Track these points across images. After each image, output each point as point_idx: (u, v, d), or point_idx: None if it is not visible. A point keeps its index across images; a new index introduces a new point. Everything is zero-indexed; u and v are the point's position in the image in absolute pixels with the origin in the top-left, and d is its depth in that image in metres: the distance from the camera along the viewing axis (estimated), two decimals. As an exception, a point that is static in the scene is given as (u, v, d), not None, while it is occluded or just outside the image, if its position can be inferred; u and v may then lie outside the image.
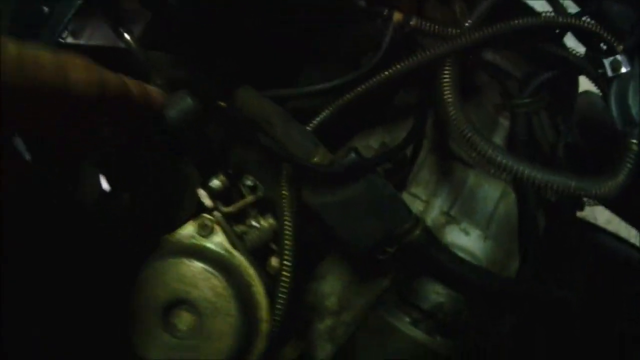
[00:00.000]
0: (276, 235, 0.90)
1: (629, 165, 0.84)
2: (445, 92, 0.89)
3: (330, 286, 1.01)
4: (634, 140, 0.85)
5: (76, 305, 0.84)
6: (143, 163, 0.87)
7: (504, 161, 0.82)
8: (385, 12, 0.95)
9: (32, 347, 0.81)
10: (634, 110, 0.86)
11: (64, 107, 0.60)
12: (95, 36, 1.03)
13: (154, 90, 0.75)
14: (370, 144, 1.01)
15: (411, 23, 0.93)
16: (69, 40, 1.04)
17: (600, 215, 1.86)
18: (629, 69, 0.89)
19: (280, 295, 0.86)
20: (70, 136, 0.65)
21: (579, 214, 1.13)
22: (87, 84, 0.60)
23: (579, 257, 1.09)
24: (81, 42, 1.06)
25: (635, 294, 1.11)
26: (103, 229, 0.86)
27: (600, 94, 0.94)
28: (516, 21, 0.89)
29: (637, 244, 1.27)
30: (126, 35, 0.85)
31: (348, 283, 1.00)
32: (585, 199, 1.02)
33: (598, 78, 0.93)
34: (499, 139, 1.02)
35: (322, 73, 0.96)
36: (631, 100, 0.87)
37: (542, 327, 1.04)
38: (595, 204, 1.01)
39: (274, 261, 0.89)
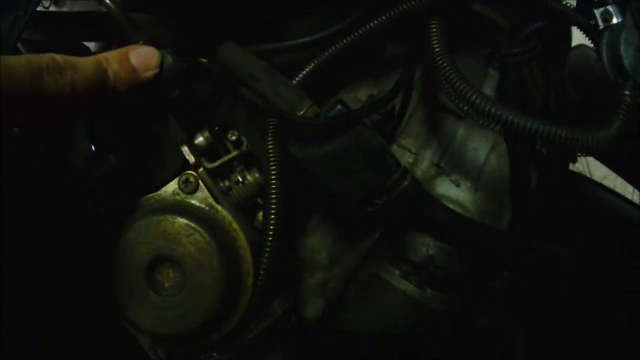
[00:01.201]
0: (262, 190, 0.89)
1: (621, 116, 0.83)
2: (433, 43, 0.87)
3: (321, 241, 1.00)
4: (627, 92, 0.84)
5: (66, 265, 0.85)
6: (127, 123, 0.86)
7: (493, 110, 0.81)
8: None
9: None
10: (626, 62, 0.85)
11: (38, 109, 0.63)
12: (77, 3, 1.02)
13: (146, 52, 0.75)
14: (358, 96, 0.99)
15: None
16: (52, 8, 1.03)
17: (597, 172, 1.84)
18: (620, 19, 0.87)
19: (265, 249, 0.86)
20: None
21: (574, 169, 1.12)
22: (58, 88, 0.63)
23: (574, 211, 1.08)
24: (64, 9, 1.05)
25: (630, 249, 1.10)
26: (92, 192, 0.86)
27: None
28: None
29: (633, 200, 1.26)
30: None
31: (338, 237, 0.99)
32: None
33: (589, 29, 0.92)
34: (488, 89, 1.00)
35: (307, 26, 0.93)
36: (623, 51, 0.85)
37: (534, 283, 1.03)
38: (587, 156, 0.99)
39: (261, 216, 0.89)
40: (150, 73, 0.75)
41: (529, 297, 1.02)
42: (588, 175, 1.80)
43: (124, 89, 0.72)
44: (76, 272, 0.85)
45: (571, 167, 1.18)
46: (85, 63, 0.67)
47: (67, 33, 0.97)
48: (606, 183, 1.38)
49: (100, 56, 0.70)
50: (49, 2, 1.01)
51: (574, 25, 0.94)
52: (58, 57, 0.64)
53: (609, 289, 1.07)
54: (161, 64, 0.77)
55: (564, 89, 0.99)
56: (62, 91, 0.63)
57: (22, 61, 0.60)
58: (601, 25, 0.88)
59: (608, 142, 0.81)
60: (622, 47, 0.85)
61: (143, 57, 0.74)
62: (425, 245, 0.95)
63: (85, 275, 0.84)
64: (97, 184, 0.84)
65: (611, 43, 0.86)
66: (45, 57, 0.62)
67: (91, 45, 1.08)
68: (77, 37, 1.00)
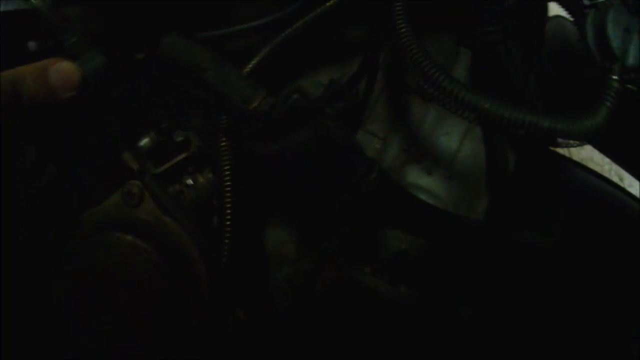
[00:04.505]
0: (217, 190, 0.83)
1: (608, 104, 0.75)
2: (398, 23, 0.78)
3: (287, 232, 0.94)
4: (615, 77, 0.76)
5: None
6: (64, 129, 0.79)
7: (467, 98, 0.73)
8: None
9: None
10: (614, 43, 0.77)
11: None
12: (10, 2, 0.95)
13: (67, 70, 0.70)
14: (320, 80, 0.91)
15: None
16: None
17: (582, 151, 1.76)
18: (607, -4, 0.79)
19: (222, 254, 0.82)
20: None
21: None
22: None
23: (553, 194, 1.02)
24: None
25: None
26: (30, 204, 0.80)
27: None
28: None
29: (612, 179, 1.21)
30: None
31: (305, 229, 0.93)
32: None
33: (572, 6, 0.83)
34: (461, 70, 0.92)
35: (259, 8, 0.86)
36: (610, 32, 0.77)
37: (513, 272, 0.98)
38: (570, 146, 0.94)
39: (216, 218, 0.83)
40: (67, 94, 0.70)
41: (508, 284, 0.97)
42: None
43: (38, 107, 0.68)
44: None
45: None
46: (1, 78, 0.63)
47: (5, 33, 0.91)
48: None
49: (18, 71, 0.66)
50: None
51: (555, 1, 0.86)
52: None
53: (590, 275, 1.03)
54: (81, 84, 0.71)
55: (543, 69, 0.92)
56: None
57: None
58: (586, 1, 0.80)
59: (595, 132, 0.74)
60: (609, 27, 0.76)
61: (63, 75, 0.69)
62: (397, 239, 0.89)
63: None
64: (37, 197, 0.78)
65: (597, 22, 0.78)
66: None
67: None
68: (17, 37, 0.93)
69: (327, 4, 0.82)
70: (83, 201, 0.79)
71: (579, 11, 0.81)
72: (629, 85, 0.77)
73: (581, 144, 1.02)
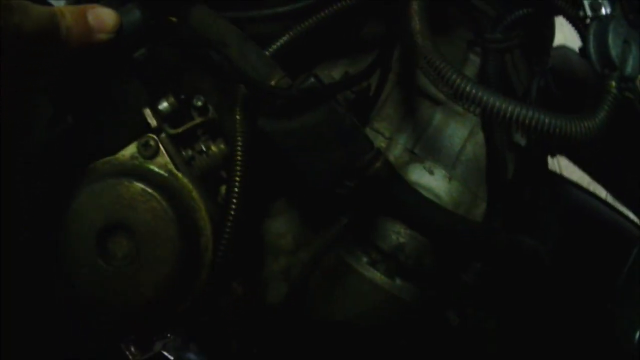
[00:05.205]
0: (227, 162, 0.84)
1: (606, 107, 0.79)
2: (413, 21, 0.83)
3: (286, 224, 0.96)
4: (613, 83, 0.81)
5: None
6: (87, 81, 0.81)
7: (474, 91, 0.76)
8: None
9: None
10: (613, 52, 0.82)
11: None
12: None
13: (104, 14, 0.74)
14: (332, 74, 0.95)
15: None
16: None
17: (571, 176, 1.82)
18: (609, 10, 0.84)
19: (227, 224, 0.82)
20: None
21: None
22: (5, 25, 0.61)
23: (549, 208, 1.05)
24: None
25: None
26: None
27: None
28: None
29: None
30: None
31: (305, 221, 0.95)
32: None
33: (576, 19, 0.88)
34: (468, 74, 0.96)
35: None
36: (611, 42, 0.82)
37: (510, 278, 0.99)
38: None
39: (224, 190, 0.84)
40: (104, 35, 0.74)
41: (502, 293, 0.99)
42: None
43: (75, 45, 0.71)
44: (30, 241, 0.80)
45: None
46: (39, 10, 0.66)
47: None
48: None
49: (57, 8, 0.69)
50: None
51: (561, 14, 0.91)
52: None
53: (581, 286, 1.04)
54: (119, 29, 0.75)
55: (546, 81, 0.96)
56: (7, 29, 0.61)
57: None
58: (589, 14, 0.85)
59: (593, 132, 0.77)
60: (610, 38, 0.81)
61: (101, 17, 0.73)
62: (396, 233, 0.91)
63: (38, 245, 0.80)
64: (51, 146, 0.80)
65: (599, 34, 0.83)
66: None
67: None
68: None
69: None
70: (98, 151, 0.81)
71: (582, 23, 0.86)
72: (626, 93, 0.81)
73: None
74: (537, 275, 0.94)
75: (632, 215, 1.23)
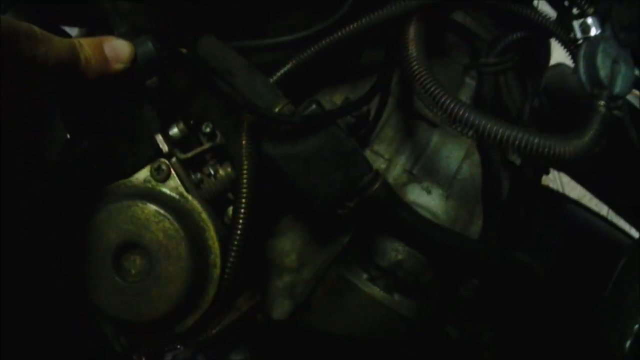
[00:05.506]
0: (234, 185, 0.89)
1: (595, 126, 0.83)
2: (410, 48, 0.88)
3: (290, 243, 1.00)
4: (601, 102, 0.85)
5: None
6: (103, 108, 0.86)
7: (466, 115, 0.81)
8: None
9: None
10: (602, 73, 0.85)
11: (10, 70, 0.63)
12: None
13: (119, 45, 0.78)
14: (334, 99, 1.00)
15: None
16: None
17: (571, 192, 1.85)
18: (598, 32, 0.88)
19: (234, 243, 0.86)
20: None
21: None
22: (32, 55, 0.64)
23: (545, 225, 1.08)
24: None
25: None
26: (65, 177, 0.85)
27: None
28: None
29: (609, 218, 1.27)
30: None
31: (308, 240, 1.00)
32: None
33: (568, 41, 0.92)
34: (464, 98, 1.01)
35: (289, 26, 0.95)
36: (600, 62, 0.86)
37: (505, 293, 1.03)
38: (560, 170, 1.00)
39: (231, 211, 0.89)
40: (120, 66, 0.77)
41: (498, 306, 1.02)
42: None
43: (93, 74, 0.74)
44: (47, 256, 0.84)
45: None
46: (60, 41, 0.69)
47: (49, 16, 0.98)
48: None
49: (76, 40, 0.72)
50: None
51: (553, 37, 0.95)
52: (36, 28, 0.65)
53: (574, 297, 1.07)
54: (134, 59, 0.79)
55: (540, 102, 1.00)
56: (34, 59, 0.64)
57: (1, 21, 0.61)
58: (579, 36, 0.89)
59: (581, 152, 0.81)
60: (599, 58, 0.85)
61: (116, 49, 0.77)
62: (395, 250, 0.96)
63: (55, 260, 0.83)
64: (70, 170, 0.85)
65: (588, 55, 0.87)
66: (25, 25, 0.64)
67: (73, 31, 1.08)
68: (59, 21, 1.00)
69: (348, 28, 0.90)
70: (113, 175, 0.85)
71: (573, 45, 0.90)
72: (615, 112, 0.85)
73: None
74: (531, 289, 0.98)
75: (633, 231, 1.26)
